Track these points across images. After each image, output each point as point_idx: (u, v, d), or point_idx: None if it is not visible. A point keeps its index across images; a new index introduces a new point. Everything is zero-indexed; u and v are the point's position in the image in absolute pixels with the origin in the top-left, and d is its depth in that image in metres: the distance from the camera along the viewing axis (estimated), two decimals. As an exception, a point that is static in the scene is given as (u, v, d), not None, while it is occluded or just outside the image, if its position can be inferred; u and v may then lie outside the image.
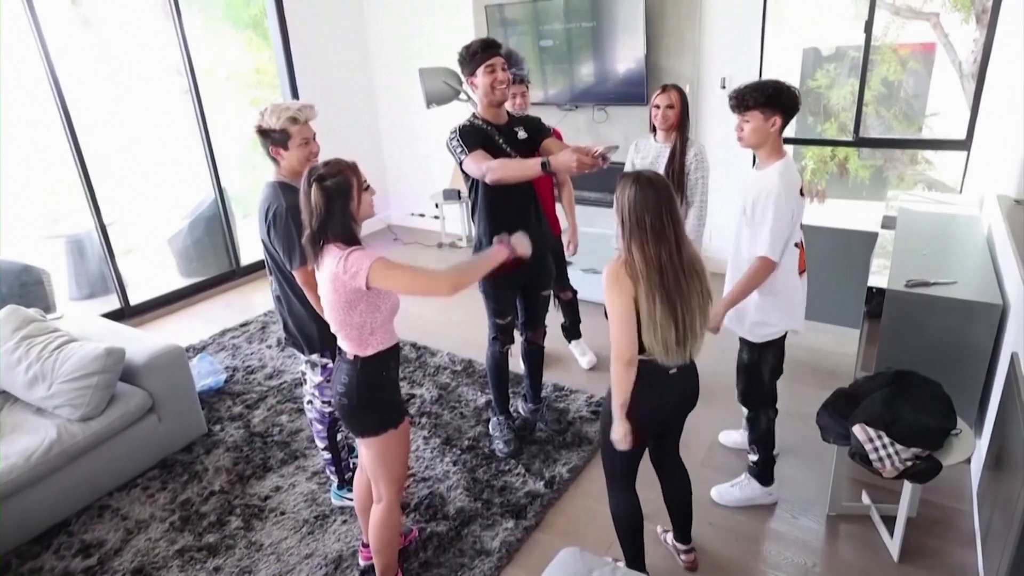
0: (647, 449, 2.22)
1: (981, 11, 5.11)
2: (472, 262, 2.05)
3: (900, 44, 5.79)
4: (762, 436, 2.59)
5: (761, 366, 2.50)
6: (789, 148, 3.13)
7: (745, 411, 2.63)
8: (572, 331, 3.86)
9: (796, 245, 2.35)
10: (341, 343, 2.04)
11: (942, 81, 5.70)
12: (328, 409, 2.59)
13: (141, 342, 3.16)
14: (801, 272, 2.42)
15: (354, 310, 1.91)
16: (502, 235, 2.13)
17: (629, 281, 1.84)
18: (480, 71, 2.55)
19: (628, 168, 3.24)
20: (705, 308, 1.92)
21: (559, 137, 3.17)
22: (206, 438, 3.27)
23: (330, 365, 2.55)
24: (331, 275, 1.89)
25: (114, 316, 4.51)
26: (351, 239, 1.90)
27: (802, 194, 2.31)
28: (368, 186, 1.95)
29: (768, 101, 2.21)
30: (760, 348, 2.46)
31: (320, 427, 2.67)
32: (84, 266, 5.19)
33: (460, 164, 2.60)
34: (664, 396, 2.02)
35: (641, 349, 1.89)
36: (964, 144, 3.87)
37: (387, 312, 1.98)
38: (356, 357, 1.99)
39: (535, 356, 3.14)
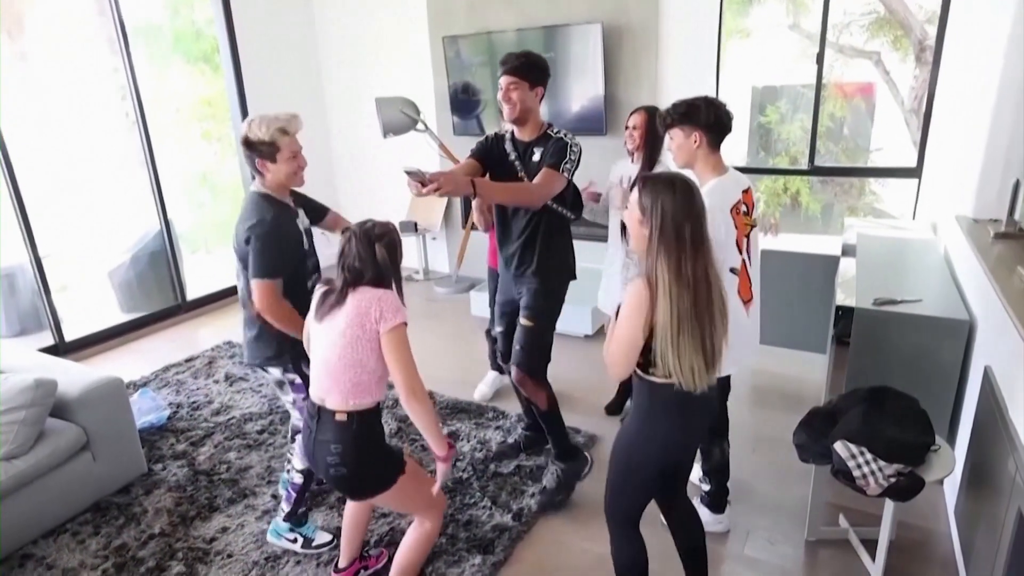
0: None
1: (920, 50, 5.37)
2: (435, 420, 1.96)
3: (844, 83, 6.05)
4: (716, 467, 2.52)
5: None
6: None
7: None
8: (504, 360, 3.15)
9: (732, 271, 2.17)
10: (331, 396, 1.90)
11: (885, 117, 5.95)
12: None
13: (76, 374, 2.91)
14: (746, 302, 2.26)
15: (374, 353, 1.87)
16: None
17: (649, 305, 1.61)
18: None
19: (604, 191, 3.17)
20: (726, 320, 1.71)
21: None
22: (146, 478, 3.02)
23: (298, 381, 2.35)
24: (357, 313, 1.87)
25: (48, 352, 4.19)
26: (389, 284, 1.96)
27: (747, 215, 2.21)
28: None
29: (683, 118, 2.15)
30: None
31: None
32: (14, 301, 4.86)
33: None
34: (691, 421, 1.82)
35: (648, 364, 1.69)
36: (915, 172, 3.99)
37: None
38: (350, 415, 1.89)
39: (519, 391, 2.87)
